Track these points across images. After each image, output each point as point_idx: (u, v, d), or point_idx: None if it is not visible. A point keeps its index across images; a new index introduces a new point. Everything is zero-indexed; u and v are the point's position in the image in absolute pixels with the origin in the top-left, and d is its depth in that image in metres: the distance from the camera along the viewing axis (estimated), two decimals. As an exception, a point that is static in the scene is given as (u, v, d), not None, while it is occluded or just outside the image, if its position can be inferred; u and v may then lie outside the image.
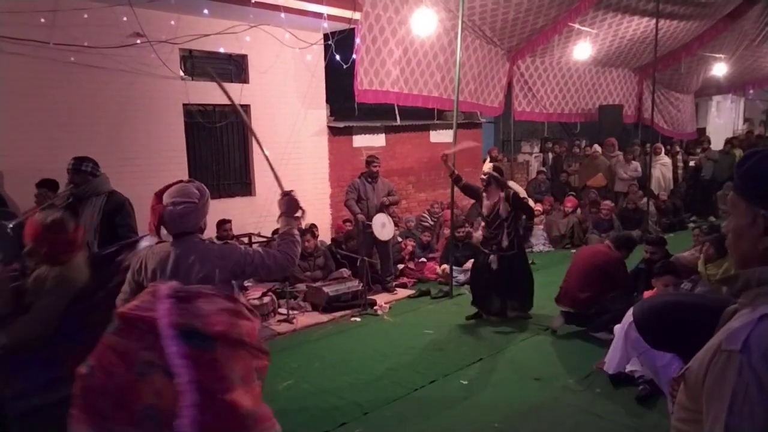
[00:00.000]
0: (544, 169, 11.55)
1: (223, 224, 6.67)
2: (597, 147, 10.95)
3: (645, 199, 9.72)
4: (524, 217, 5.83)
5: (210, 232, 6.75)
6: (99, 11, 5.90)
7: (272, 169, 3.03)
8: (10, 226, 3.67)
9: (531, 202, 6.22)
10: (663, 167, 11.30)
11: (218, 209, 7.08)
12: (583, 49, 9.99)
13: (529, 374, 4.54)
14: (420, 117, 9.76)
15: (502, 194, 5.58)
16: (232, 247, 2.64)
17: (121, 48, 6.17)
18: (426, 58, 8.66)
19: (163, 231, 2.57)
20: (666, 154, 11.65)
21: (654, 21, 9.03)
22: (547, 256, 8.81)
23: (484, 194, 5.73)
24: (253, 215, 7.53)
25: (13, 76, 5.64)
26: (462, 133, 10.06)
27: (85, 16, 5.83)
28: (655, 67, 9.68)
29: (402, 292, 6.95)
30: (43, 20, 5.61)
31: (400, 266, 7.51)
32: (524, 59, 10.62)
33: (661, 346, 1.90)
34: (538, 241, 9.35)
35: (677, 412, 1.26)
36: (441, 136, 10.07)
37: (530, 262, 5.94)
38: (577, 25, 9.57)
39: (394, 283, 7.04)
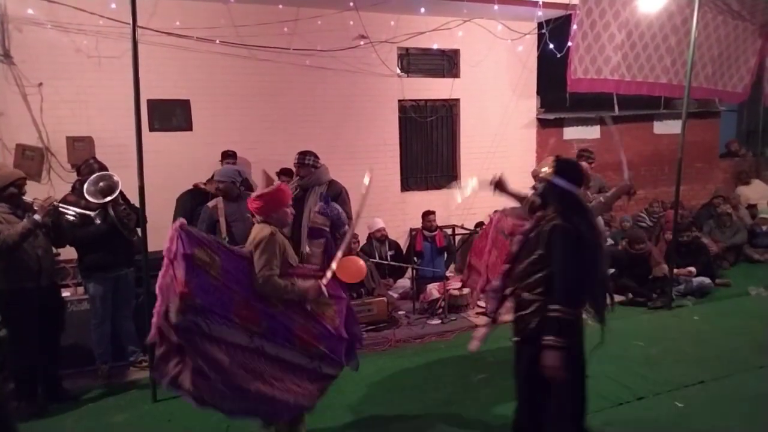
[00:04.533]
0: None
1: (427, 215, 6.94)
2: None
3: None
4: None
5: (416, 221, 7.10)
6: (330, 17, 6.56)
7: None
8: None
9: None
10: None
11: (425, 200, 7.41)
12: None
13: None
14: (642, 106, 8.87)
15: None
16: None
17: (347, 50, 6.79)
18: (654, 41, 7.81)
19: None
20: None
21: None
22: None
23: None
24: (457, 208, 7.69)
25: (262, 79, 6.60)
26: (694, 123, 8.91)
27: (319, 22, 6.55)
28: None
29: (610, 297, 6.45)
30: (286, 29, 6.45)
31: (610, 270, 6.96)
32: (783, 34, 8.90)
33: None
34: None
35: None
36: (667, 127, 9.05)
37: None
38: None
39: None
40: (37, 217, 3.92)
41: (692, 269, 6.58)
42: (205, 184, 5.73)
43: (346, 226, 3.70)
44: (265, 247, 3.08)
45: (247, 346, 2.91)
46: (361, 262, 3.61)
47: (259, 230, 3.18)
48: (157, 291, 2.77)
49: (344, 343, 3.37)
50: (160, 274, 2.79)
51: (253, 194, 3.31)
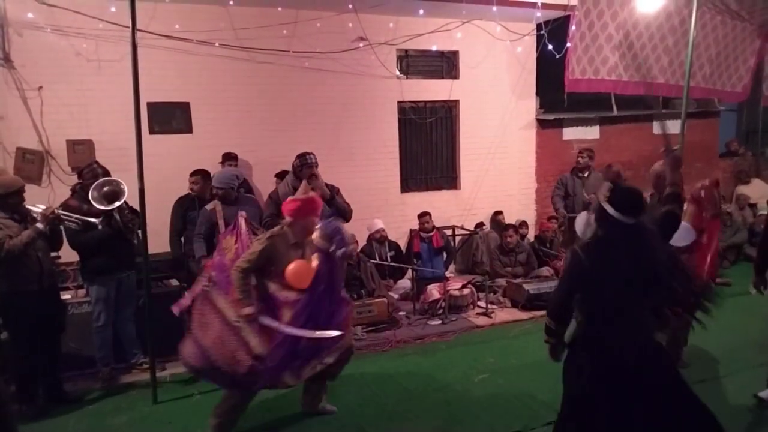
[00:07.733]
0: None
1: (422, 216, 6.94)
2: None
3: None
4: None
5: (416, 222, 7.11)
6: (329, 20, 6.57)
7: None
8: None
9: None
10: None
11: (425, 201, 7.43)
12: None
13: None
14: (641, 106, 8.88)
15: None
16: None
17: (346, 52, 6.80)
18: (652, 41, 7.83)
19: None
20: None
21: None
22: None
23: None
24: (457, 208, 7.72)
25: (261, 81, 6.61)
26: (693, 123, 8.92)
27: (318, 25, 6.56)
28: None
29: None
30: (285, 32, 6.46)
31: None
32: (782, 34, 8.91)
33: None
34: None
35: None
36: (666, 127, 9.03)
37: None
38: None
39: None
40: (39, 225, 3.95)
41: None
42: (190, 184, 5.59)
43: (344, 249, 3.57)
44: (257, 244, 3.51)
45: (230, 323, 3.46)
46: (304, 264, 3.48)
47: (270, 231, 3.58)
48: None
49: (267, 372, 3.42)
50: None
51: (291, 197, 3.63)
